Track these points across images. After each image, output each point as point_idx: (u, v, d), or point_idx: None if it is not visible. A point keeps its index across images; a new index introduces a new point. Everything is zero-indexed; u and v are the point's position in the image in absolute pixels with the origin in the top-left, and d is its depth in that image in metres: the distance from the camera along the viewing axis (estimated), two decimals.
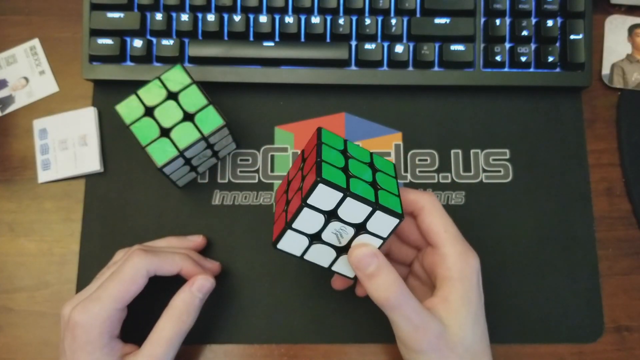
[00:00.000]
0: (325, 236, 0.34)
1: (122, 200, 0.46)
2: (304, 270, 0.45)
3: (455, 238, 0.36)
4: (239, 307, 0.44)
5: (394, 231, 0.34)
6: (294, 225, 0.33)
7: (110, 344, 0.37)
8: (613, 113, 0.49)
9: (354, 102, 0.48)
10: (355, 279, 0.37)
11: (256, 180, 0.47)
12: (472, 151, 0.47)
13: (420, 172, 0.47)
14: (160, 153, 0.40)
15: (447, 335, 0.34)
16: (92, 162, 0.46)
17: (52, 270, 0.45)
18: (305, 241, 0.34)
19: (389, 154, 0.47)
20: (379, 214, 0.33)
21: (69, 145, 0.47)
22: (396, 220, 0.33)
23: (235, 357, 0.43)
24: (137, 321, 0.38)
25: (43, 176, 0.46)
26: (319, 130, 0.36)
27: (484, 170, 0.47)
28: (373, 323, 0.43)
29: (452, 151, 0.47)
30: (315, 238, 0.34)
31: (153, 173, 0.46)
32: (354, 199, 0.32)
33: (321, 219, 0.33)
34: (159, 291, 0.39)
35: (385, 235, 0.34)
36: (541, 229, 0.46)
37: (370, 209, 0.32)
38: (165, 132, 0.40)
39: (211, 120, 0.40)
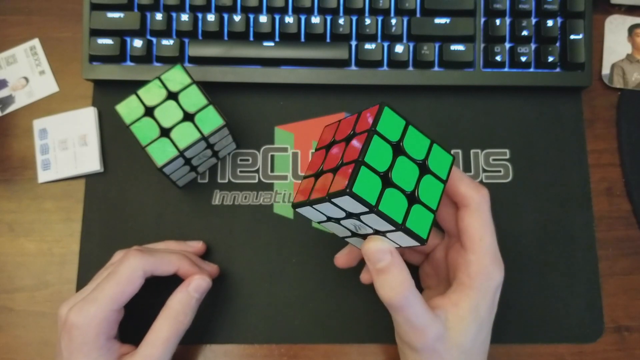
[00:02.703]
0: (344, 222, 0.34)
1: (122, 200, 0.46)
2: (304, 270, 0.45)
3: (487, 249, 0.35)
4: (239, 307, 0.44)
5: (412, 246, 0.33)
6: (315, 206, 0.32)
7: (107, 345, 0.37)
8: (613, 113, 0.49)
9: (354, 102, 0.48)
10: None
11: (256, 180, 0.47)
12: (472, 151, 0.47)
13: None
14: (160, 153, 0.40)
15: (446, 338, 0.34)
16: (92, 162, 0.46)
17: (52, 270, 0.45)
18: (323, 218, 0.34)
19: None
20: (401, 233, 0.31)
21: (69, 145, 0.47)
22: (417, 243, 0.32)
23: (235, 357, 0.43)
24: (135, 322, 0.38)
25: (43, 176, 0.46)
26: (381, 107, 0.32)
27: (484, 170, 0.47)
28: (373, 323, 0.43)
29: (452, 151, 0.47)
30: (333, 220, 0.34)
31: (153, 173, 0.46)
32: (379, 217, 0.30)
33: (342, 214, 0.32)
34: (156, 292, 0.39)
35: (403, 246, 0.33)
36: (541, 229, 0.46)
37: (393, 228, 0.31)
38: (165, 132, 0.40)
39: (211, 120, 0.40)
